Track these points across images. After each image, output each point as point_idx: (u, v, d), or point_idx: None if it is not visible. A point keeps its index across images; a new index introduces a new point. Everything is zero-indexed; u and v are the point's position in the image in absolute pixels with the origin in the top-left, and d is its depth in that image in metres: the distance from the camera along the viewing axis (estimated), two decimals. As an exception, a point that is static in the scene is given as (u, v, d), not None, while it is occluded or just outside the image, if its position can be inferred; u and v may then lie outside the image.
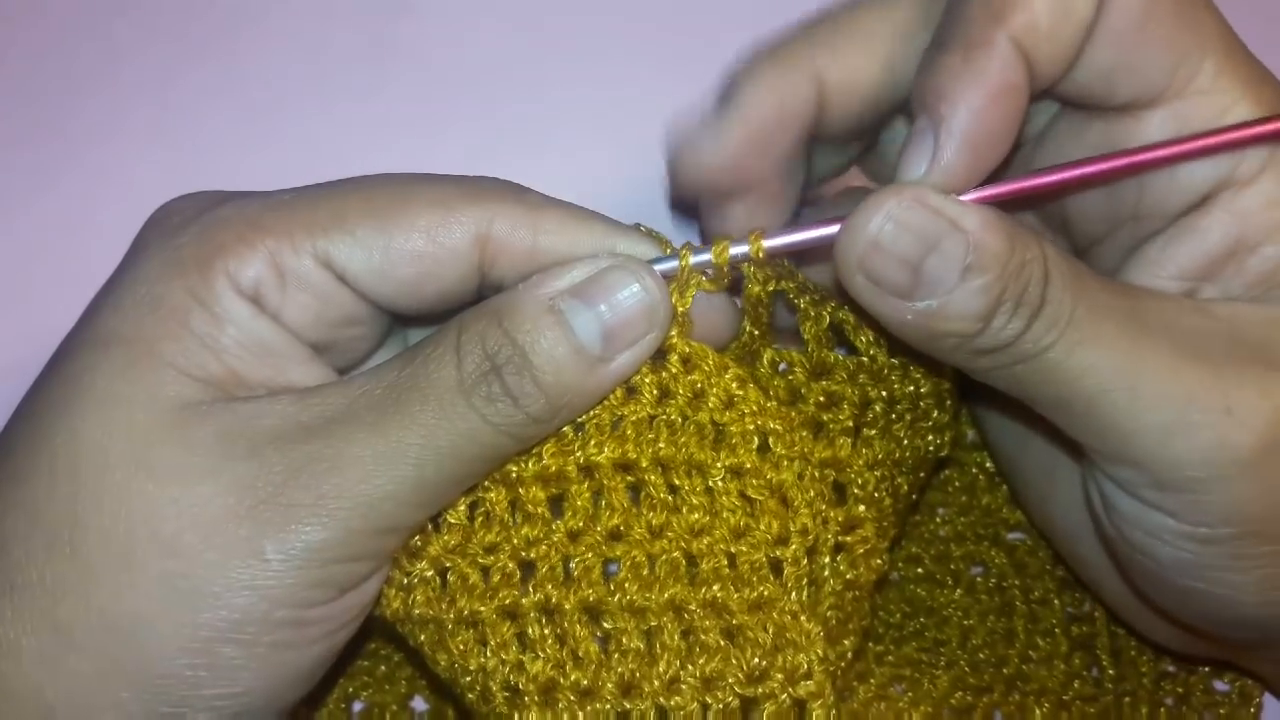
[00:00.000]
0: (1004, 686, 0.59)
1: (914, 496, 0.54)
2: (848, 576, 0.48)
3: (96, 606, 0.39)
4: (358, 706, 0.59)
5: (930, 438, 0.51)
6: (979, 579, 0.61)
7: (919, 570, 0.62)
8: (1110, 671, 0.59)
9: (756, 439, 0.46)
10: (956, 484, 0.62)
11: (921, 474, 0.53)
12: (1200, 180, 0.44)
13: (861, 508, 0.48)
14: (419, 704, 0.59)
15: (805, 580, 0.45)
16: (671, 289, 0.45)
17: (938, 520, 0.62)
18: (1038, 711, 0.59)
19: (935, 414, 0.51)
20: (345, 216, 0.43)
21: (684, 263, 0.45)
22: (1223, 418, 0.40)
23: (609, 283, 0.43)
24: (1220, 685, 0.59)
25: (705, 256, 0.45)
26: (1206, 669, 0.59)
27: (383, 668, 0.59)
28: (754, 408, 0.46)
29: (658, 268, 0.45)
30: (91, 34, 0.64)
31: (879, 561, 0.49)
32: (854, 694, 0.59)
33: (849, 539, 0.48)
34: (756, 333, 0.48)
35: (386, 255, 0.43)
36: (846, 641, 0.48)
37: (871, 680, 0.60)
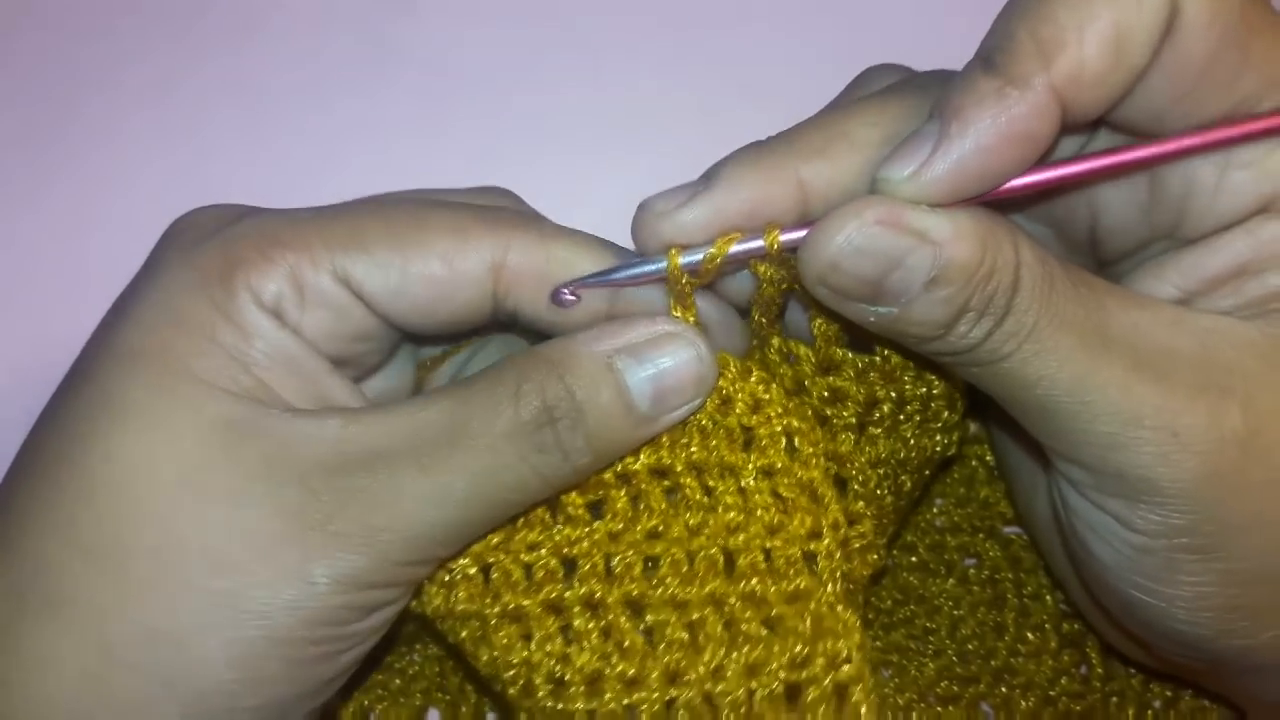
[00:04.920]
0: (990, 678, 0.60)
1: (917, 494, 0.54)
2: (843, 570, 0.48)
3: (145, 624, 0.39)
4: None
5: (939, 438, 0.51)
6: (972, 570, 0.61)
7: (913, 559, 0.62)
8: (1099, 670, 0.59)
9: (784, 439, 0.46)
10: (955, 475, 0.62)
11: (926, 472, 0.53)
12: (1243, 206, 0.42)
13: (861, 504, 0.49)
14: (433, 717, 0.60)
15: (840, 573, 0.46)
16: (673, 301, 0.46)
17: (934, 510, 0.62)
18: (1023, 705, 0.59)
19: (945, 415, 0.50)
20: (364, 237, 0.44)
21: (673, 264, 0.44)
22: (1168, 439, 0.40)
23: (666, 347, 0.44)
24: (1209, 691, 0.59)
25: (697, 257, 0.44)
26: (1197, 673, 0.59)
27: (397, 681, 0.59)
28: (779, 409, 0.47)
29: (646, 268, 0.45)
30: (92, 35, 0.64)
31: (875, 557, 0.49)
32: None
33: (847, 533, 0.48)
34: (764, 320, 0.48)
35: (404, 276, 0.44)
36: (854, 607, 0.48)
37: (858, 664, 0.61)
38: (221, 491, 0.40)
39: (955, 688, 0.60)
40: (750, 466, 0.46)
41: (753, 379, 0.47)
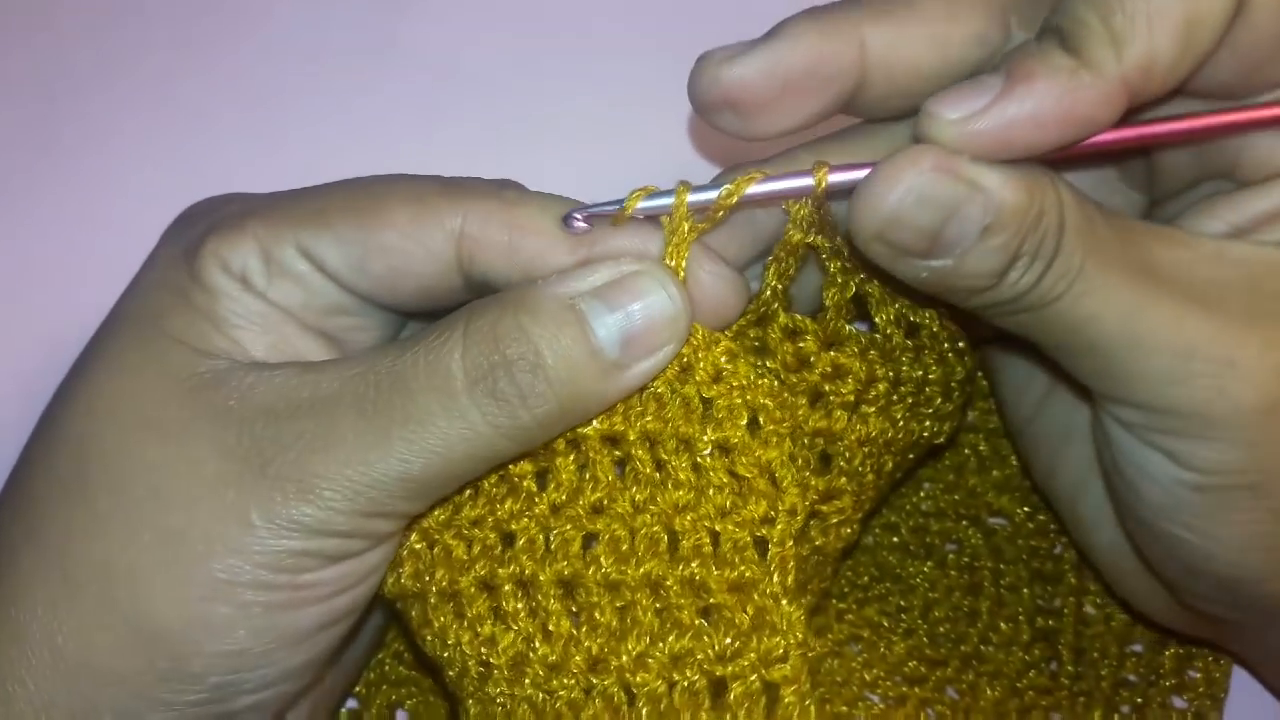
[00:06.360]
0: (959, 663, 0.60)
1: (898, 475, 0.54)
2: (816, 543, 0.48)
3: (100, 555, 0.41)
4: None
5: (928, 424, 0.50)
6: (951, 555, 0.61)
7: (894, 539, 0.62)
8: (1069, 668, 0.59)
9: (746, 414, 0.44)
10: (946, 462, 0.62)
11: (911, 456, 0.52)
12: None
13: (844, 480, 0.48)
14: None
15: (790, 564, 0.43)
16: (668, 242, 0.44)
17: (921, 494, 0.62)
18: (988, 693, 0.59)
19: (938, 402, 0.50)
20: (326, 213, 0.44)
21: (679, 199, 0.43)
22: (1225, 369, 0.40)
23: (633, 288, 0.42)
24: (1179, 702, 0.58)
25: (710, 195, 0.43)
26: (1169, 683, 0.58)
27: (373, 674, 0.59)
28: (743, 382, 0.44)
29: (652, 202, 0.43)
30: (91, 34, 0.64)
31: (849, 531, 0.50)
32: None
33: (825, 508, 0.48)
34: (780, 288, 0.47)
35: (363, 249, 0.44)
36: (802, 601, 0.47)
37: (829, 635, 0.61)
38: (175, 432, 0.41)
39: (923, 669, 0.60)
40: (706, 439, 0.44)
41: (718, 349, 0.44)
